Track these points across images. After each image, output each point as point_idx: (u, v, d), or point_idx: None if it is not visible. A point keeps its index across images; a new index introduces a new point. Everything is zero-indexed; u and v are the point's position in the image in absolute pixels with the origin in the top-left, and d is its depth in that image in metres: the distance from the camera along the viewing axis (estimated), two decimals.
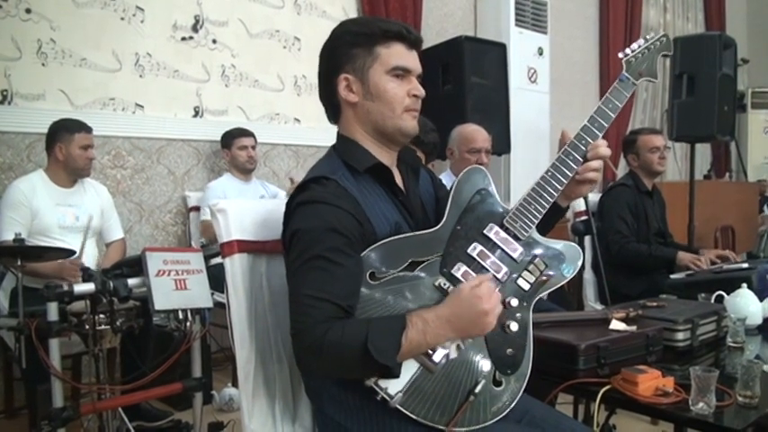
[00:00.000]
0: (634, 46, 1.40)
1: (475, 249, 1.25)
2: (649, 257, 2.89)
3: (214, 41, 3.71)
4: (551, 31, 5.05)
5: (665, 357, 1.52)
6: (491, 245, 1.26)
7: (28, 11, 3.06)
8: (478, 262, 1.24)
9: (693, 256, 2.85)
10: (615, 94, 1.35)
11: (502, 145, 4.35)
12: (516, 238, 1.28)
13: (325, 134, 4.13)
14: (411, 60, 1.29)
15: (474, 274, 1.22)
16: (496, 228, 1.28)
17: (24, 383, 2.51)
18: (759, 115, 7.43)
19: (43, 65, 3.12)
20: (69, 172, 2.79)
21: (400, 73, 1.27)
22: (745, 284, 1.88)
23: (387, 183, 1.31)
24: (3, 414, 2.83)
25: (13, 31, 3.02)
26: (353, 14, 4.34)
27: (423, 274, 1.20)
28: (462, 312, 1.13)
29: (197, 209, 3.54)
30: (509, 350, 1.22)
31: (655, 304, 1.80)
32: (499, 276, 1.24)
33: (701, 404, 1.20)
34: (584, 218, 2.78)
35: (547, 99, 4.99)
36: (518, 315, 1.24)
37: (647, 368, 1.32)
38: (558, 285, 1.30)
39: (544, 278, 1.28)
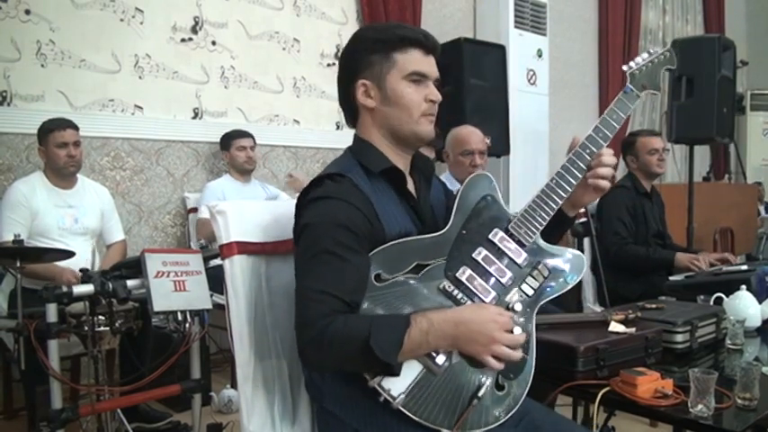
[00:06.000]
0: (638, 59, 1.42)
1: (480, 254, 1.25)
2: (647, 260, 2.89)
3: (213, 43, 3.71)
4: (550, 33, 5.06)
5: (664, 359, 1.53)
6: (496, 250, 1.27)
7: (27, 12, 3.06)
8: (483, 266, 1.24)
9: (692, 257, 2.85)
10: (619, 105, 1.37)
11: (501, 147, 4.35)
12: (521, 245, 1.28)
13: (324, 136, 4.18)
14: (428, 66, 1.31)
15: (479, 279, 1.22)
16: (501, 233, 1.28)
17: (23, 385, 2.51)
18: (758, 117, 7.44)
19: (42, 66, 3.12)
20: (56, 173, 2.79)
21: (417, 78, 1.28)
22: (744, 286, 1.88)
23: (399, 187, 1.31)
24: (2, 415, 2.83)
25: (13, 32, 3.02)
26: (353, 16, 4.35)
27: (428, 277, 1.20)
28: (473, 325, 1.13)
29: (196, 210, 3.53)
30: None
31: (654, 306, 1.80)
32: (503, 281, 1.24)
33: (699, 406, 1.20)
34: (583, 220, 2.78)
35: (546, 101, 4.99)
36: (522, 321, 1.24)
37: (646, 370, 1.32)
38: (561, 292, 1.30)
39: (548, 285, 1.28)
